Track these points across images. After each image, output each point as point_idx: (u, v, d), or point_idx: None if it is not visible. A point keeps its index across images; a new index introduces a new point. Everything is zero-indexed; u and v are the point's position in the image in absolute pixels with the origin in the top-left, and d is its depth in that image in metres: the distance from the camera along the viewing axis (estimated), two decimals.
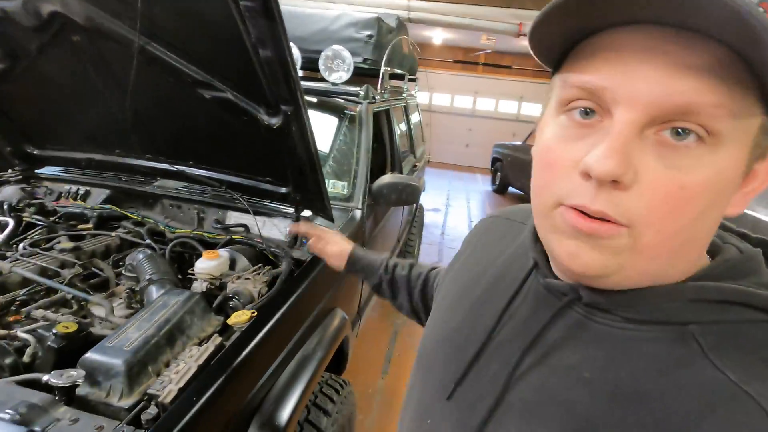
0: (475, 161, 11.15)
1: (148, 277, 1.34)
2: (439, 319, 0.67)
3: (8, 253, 1.46)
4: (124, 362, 1.00)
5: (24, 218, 1.77)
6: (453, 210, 7.14)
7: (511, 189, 8.37)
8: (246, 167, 1.70)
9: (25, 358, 1.06)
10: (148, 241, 1.66)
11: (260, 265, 1.53)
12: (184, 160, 1.73)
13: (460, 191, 8.52)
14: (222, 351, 1.09)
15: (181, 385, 0.99)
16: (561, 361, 0.46)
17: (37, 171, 2.02)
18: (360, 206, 1.99)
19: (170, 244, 1.61)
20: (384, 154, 2.77)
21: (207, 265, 1.44)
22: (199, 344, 1.18)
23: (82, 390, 0.98)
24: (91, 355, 1.01)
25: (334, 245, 1.27)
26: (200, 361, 1.06)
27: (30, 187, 1.96)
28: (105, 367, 0.99)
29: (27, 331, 1.10)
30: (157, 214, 1.90)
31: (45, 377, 0.95)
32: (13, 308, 1.21)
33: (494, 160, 8.51)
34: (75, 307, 1.28)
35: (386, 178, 2.10)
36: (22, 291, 1.25)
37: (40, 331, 1.11)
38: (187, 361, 1.07)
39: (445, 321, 0.65)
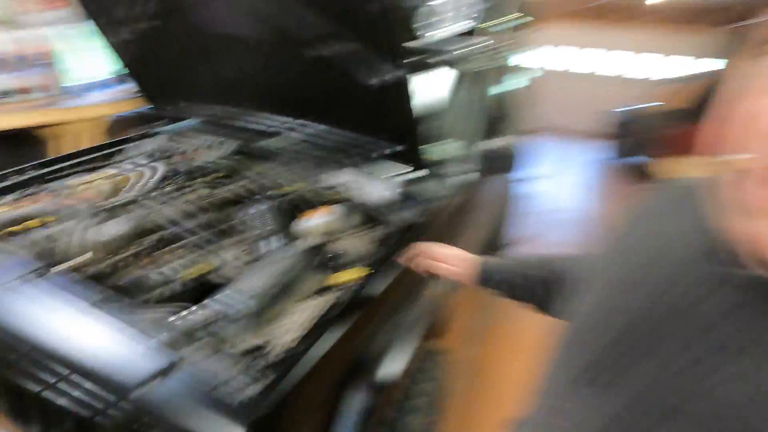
0: (592, 127, 10.04)
1: (263, 229, 1.42)
2: (593, 302, 0.61)
3: (151, 198, 1.65)
4: (247, 307, 1.07)
5: (168, 166, 1.98)
6: (562, 178, 6.57)
7: (632, 159, 7.41)
8: (362, 124, 1.69)
9: (160, 295, 1.20)
10: (266, 194, 1.75)
11: (370, 224, 1.53)
12: (304, 115, 1.77)
13: (573, 160, 7.79)
14: (333, 306, 1.11)
15: (296, 335, 1.03)
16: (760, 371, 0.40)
17: (178, 123, 2.25)
18: (475, 169, 1.87)
19: (284, 199, 1.68)
20: (489, 116, 2.58)
21: (318, 221, 1.48)
22: (312, 298, 1.23)
23: (208, 330, 1.07)
24: (218, 298, 1.10)
25: (454, 259, 1.16)
26: (314, 314, 1.10)
27: (174, 138, 2.18)
28: (230, 311, 1.07)
29: (160, 273, 1.23)
30: (276, 168, 2.00)
31: (184, 310, 1.06)
32: (150, 251, 1.37)
33: (618, 126, 7.56)
34: (204, 252, 1.41)
35: (495, 142, 1.94)
36: (156, 235, 1.40)
37: (172, 272, 1.25)
38: (302, 313, 1.11)
39: (601, 304, 0.59)
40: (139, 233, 1.40)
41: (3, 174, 1.78)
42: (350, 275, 1.22)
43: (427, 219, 1.50)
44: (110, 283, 1.23)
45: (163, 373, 0.86)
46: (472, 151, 1.91)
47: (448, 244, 1.57)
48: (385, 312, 1.24)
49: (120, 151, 2.13)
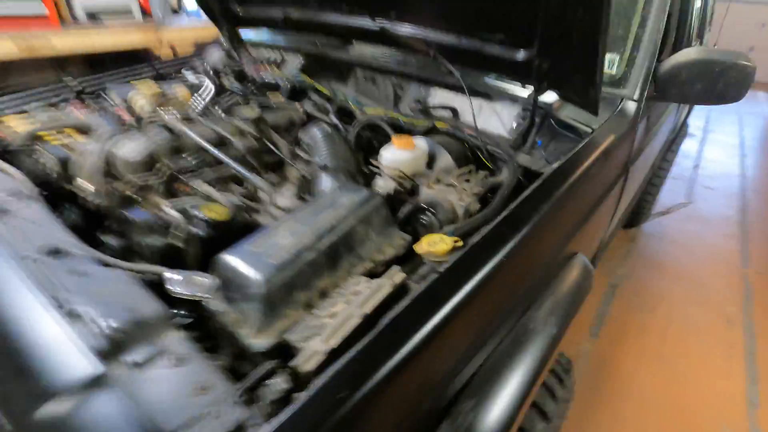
0: (759, 73, 7.90)
1: (321, 161, 0.97)
2: None
3: (190, 117, 1.29)
4: (265, 282, 0.65)
5: (224, 84, 1.62)
6: (714, 137, 5.21)
7: None
8: (467, 19, 1.12)
9: (171, 240, 0.83)
10: (333, 117, 1.31)
11: (471, 167, 1.01)
12: (384, 10, 1.25)
13: (729, 113, 6.18)
14: (404, 298, 0.64)
15: (333, 343, 0.59)
16: None
17: (241, 35, 1.86)
18: (636, 96, 1.22)
19: (357, 126, 1.22)
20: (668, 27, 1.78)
21: (397, 156, 0.99)
22: (372, 273, 0.77)
23: (212, 305, 0.68)
24: (228, 259, 0.69)
25: None
26: (368, 308, 0.65)
27: (234, 52, 1.81)
28: (240, 281, 0.67)
29: (178, 209, 0.85)
30: (350, 88, 1.53)
31: (167, 274, 0.67)
32: (168, 180, 1.00)
33: None
34: (234, 188, 1.02)
35: (691, 53, 1.23)
36: (191, 158, 1.02)
37: (193, 210, 0.86)
38: (351, 301, 0.67)
39: None
40: (163, 155, 1.04)
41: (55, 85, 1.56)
42: (437, 246, 0.74)
43: (564, 166, 0.93)
44: (107, 218, 0.90)
45: (88, 387, 0.49)
46: (639, 69, 1.24)
47: (586, 207, 0.99)
48: (491, 312, 0.73)
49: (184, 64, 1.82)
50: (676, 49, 1.73)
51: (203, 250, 0.81)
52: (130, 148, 0.99)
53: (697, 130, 5.47)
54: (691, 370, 2.07)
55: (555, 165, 0.96)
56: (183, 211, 0.85)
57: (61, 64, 2.94)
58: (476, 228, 0.83)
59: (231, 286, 0.68)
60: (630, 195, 1.56)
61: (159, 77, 1.78)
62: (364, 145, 1.34)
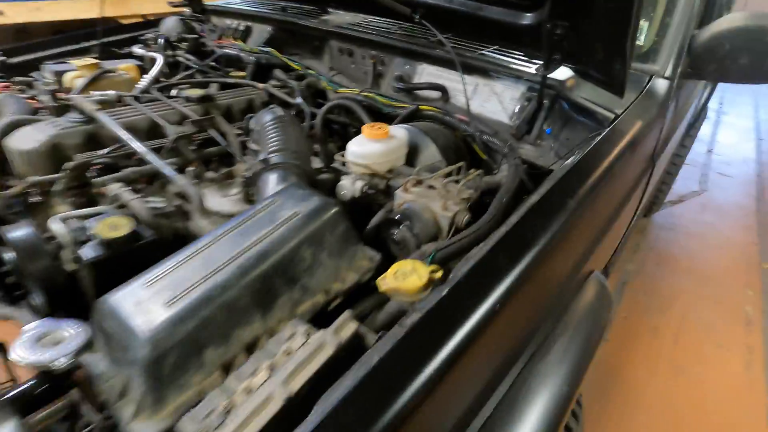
0: None
1: (267, 156, 0.76)
2: None
3: (127, 99, 1.06)
4: (151, 342, 0.45)
5: (178, 57, 1.39)
6: (729, 120, 4.94)
7: None
8: None
9: (62, 266, 0.62)
10: (298, 98, 1.08)
11: (461, 164, 0.79)
12: None
13: (743, 93, 5.88)
14: (356, 360, 0.44)
15: (263, 421, 0.39)
16: None
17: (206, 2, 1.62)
18: (668, 73, 0.99)
19: (323, 110, 0.99)
20: None
21: (367, 149, 0.78)
22: (327, 308, 0.57)
23: (90, 363, 0.48)
24: (108, 304, 0.49)
25: None
26: (296, 385, 0.44)
27: (194, 20, 1.57)
28: (122, 338, 0.46)
29: (66, 220, 0.64)
30: (324, 65, 1.30)
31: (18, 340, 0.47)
32: (89, 174, 0.79)
33: None
34: (155, 191, 0.80)
35: (736, 19, 0.99)
36: (104, 151, 0.80)
37: (90, 224, 0.65)
38: (277, 370, 0.46)
39: None
40: (73, 148, 0.83)
41: None
42: (408, 279, 0.53)
43: (580, 163, 0.72)
44: None
45: None
46: (672, 41, 1.01)
47: (607, 215, 0.78)
48: (488, 370, 0.52)
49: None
50: (705, 18, 1.49)
51: (104, 279, 0.61)
52: (25, 137, 0.77)
53: (710, 112, 5.19)
54: (707, 377, 1.88)
55: (569, 161, 0.74)
56: (76, 223, 0.64)
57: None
58: (464, 249, 0.62)
59: (112, 342, 0.48)
60: (651, 189, 1.34)
61: (110, 52, 1.54)
62: (340, 134, 1.12)
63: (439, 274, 0.56)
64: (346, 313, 0.51)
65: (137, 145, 0.77)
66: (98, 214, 0.66)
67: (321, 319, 0.59)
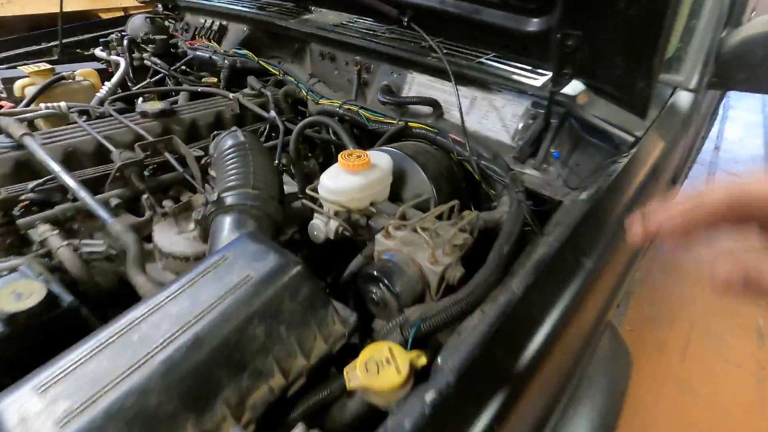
0: None
1: (222, 194, 0.63)
2: None
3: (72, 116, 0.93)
4: None
5: (144, 60, 1.26)
6: (735, 114, 4.80)
7: None
8: None
9: None
10: (272, 114, 0.95)
11: (454, 203, 0.66)
12: None
13: None
14: None
15: None
16: None
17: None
18: (693, 85, 0.86)
19: (298, 130, 0.87)
20: None
21: (343, 183, 0.65)
22: (286, 390, 0.46)
23: None
24: None
25: None
26: None
27: (166, 18, 1.43)
28: None
29: None
30: (305, 69, 1.17)
31: None
32: (17, 212, 0.67)
33: None
34: (85, 238, 0.68)
35: (738, 31, 0.87)
36: (33, 184, 0.68)
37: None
38: None
39: None
40: (2, 179, 0.71)
41: None
42: (387, 375, 0.41)
43: (598, 197, 0.59)
44: None
45: None
46: (698, 50, 0.88)
47: (627, 260, 0.68)
48: None
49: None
50: (729, 22, 1.36)
51: (8, 362, 0.49)
52: None
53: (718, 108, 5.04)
54: (717, 396, 1.78)
55: (583, 196, 0.62)
56: None
57: None
58: (456, 317, 0.50)
59: None
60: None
61: (72, 54, 1.41)
62: (323, 147, 0.99)
63: (423, 360, 0.44)
64: (300, 428, 0.40)
65: (67, 178, 0.65)
66: (11, 270, 0.54)
67: (281, 405, 0.47)
